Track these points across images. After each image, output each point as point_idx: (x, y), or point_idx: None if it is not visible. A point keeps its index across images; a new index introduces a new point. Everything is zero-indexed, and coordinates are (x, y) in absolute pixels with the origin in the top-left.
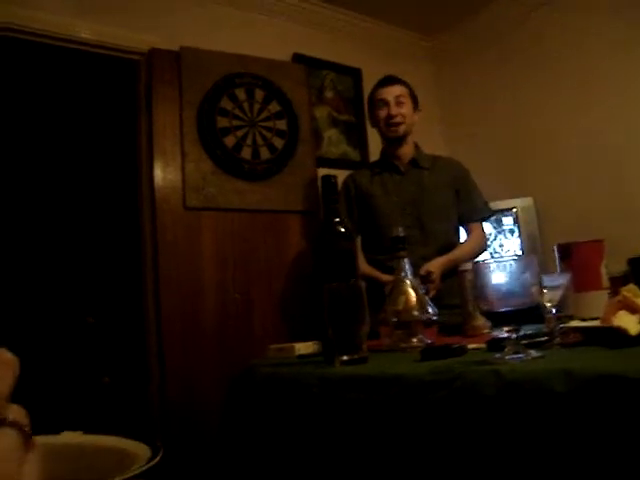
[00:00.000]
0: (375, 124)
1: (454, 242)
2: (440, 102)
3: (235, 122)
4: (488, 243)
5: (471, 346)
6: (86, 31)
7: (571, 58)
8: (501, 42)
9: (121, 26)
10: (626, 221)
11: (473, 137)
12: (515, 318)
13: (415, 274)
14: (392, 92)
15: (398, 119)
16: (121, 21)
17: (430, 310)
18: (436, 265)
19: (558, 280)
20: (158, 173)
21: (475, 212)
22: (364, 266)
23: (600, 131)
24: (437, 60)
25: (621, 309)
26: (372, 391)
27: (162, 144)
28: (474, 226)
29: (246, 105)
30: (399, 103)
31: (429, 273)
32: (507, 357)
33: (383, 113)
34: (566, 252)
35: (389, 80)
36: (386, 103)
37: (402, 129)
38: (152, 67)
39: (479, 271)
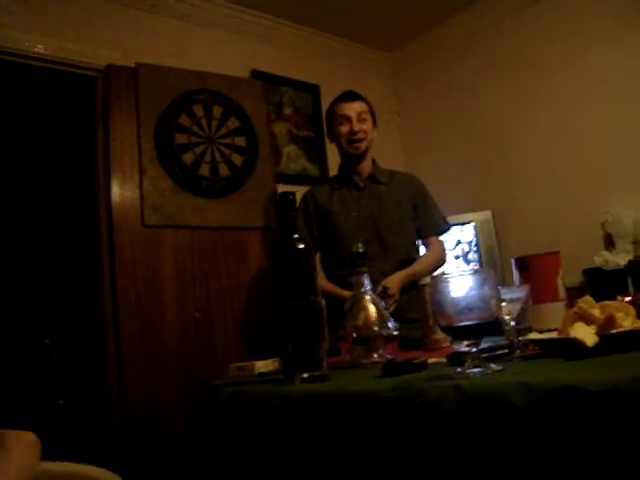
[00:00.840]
0: (335, 139)
1: (413, 256)
2: (400, 115)
3: (193, 139)
4: (447, 257)
5: (432, 360)
6: (41, 46)
7: (526, 72)
8: (459, 57)
9: (77, 41)
10: (581, 233)
11: (432, 151)
12: (474, 331)
13: (375, 289)
14: (354, 108)
15: (360, 135)
16: (77, 36)
17: (390, 325)
18: (395, 280)
19: (516, 293)
20: (115, 191)
21: (433, 226)
22: (324, 282)
23: (555, 145)
24: (396, 75)
25: (578, 320)
26: (333, 409)
27: (120, 161)
28: (432, 240)
29: (204, 122)
30: (361, 120)
31: (387, 288)
32: (467, 371)
33: (345, 129)
34: (523, 265)
35: (351, 96)
36: (348, 119)
37: (364, 145)
38: (109, 83)
39: (437, 286)
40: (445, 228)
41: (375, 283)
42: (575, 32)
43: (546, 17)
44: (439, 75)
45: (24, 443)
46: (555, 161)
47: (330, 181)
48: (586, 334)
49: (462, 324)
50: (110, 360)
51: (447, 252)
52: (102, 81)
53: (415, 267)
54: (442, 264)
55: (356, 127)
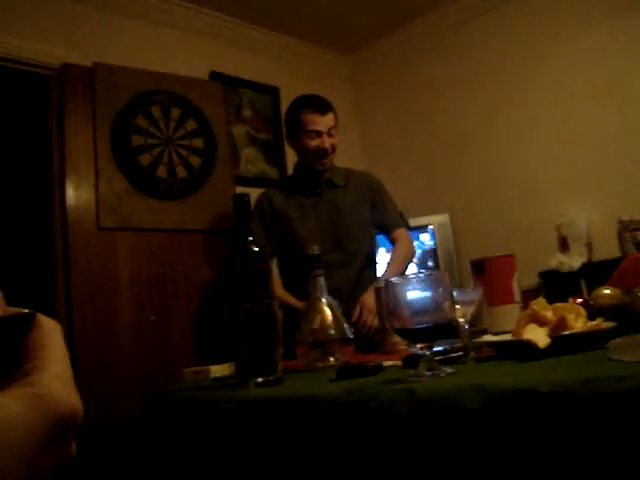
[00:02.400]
0: (299, 150)
1: (374, 260)
2: (359, 120)
3: (150, 140)
4: (414, 247)
5: (387, 364)
6: None
7: (484, 77)
8: (417, 60)
9: (32, 39)
10: (537, 236)
11: (391, 155)
12: (428, 334)
13: (342, 300)
14: (326, 122)
15: (329, 151)
16: (32, 34)
17: (346, 328)
18: (369, 302)
19: (470, 295)
20: (70, 192)
21: (395, 219)
22: (279, 290)
23: (512, 149)
24: (356, 78)
25: (531, 322)
26: (287, 413)
27: (75, 162)
28: (398, 233)
29: (162, 123)
30: (331, 134)
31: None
32: (421, 374)
33: (314, 143)
34: (479, 267)
35: (322, 107)
36: (318, 134)
37: (330, 160)
38: (64, 82)
39: (391, 288)
40: (406, 223)
41: (339, 291)
42: (535, 36)
43: (507, 21)
44: (398, 78)
45: (55, 326)
46: (512, 165)
47: (286, 184)
48: (538, 336)
49: (416, 327)
50: None
51: (413, 243)
52: (57, 80)
53: (387, 275)
54: (412, 257)
55: (327, 143)
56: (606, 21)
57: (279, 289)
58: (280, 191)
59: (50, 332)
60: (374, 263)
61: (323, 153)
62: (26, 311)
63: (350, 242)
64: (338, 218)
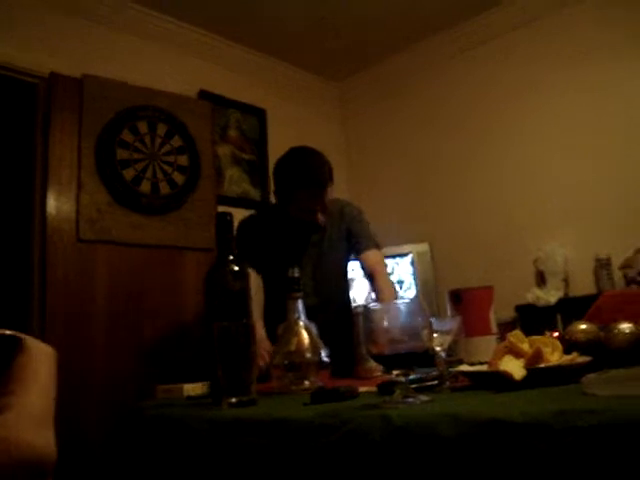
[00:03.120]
0: (291, 212)
1: (348, 299)
2: (345, 146)
3: (135, 155)
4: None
5: (362, 389)
6: None
7: (470, 112)
8: (405, 91)
9: (20, 47)
10: (515, 269)
11: (375, 182)
12: (405, 361)
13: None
14: (320, 201)
15: (322, 222)
16: (20, 42)
17: (322, 352)
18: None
19: (448, 324)
20: (52, 202)
21: (365, 242)
22: (261, 331)
23: (494, 184)
24: (343, 105)
25: (507, 354)
26: (260, 435)
27: (58, 172)
28: (366, 255)
29: (148, 138)
30: (325, 207)
31: None
32: (396, 401)
33: (308, 217)
34: (457, 297)
35: (317, 186)
36: (312, 212)
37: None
38: (52, 92)
39: (368, 314)
40: (376, 243)
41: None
42: (523, 71)
43: (496, 56)
44: (385, 107)
45: (46, 353)
46: (493, 198)
47: (268, 219)
48: (514, 367)
49: (393, 353)
50: None
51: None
52: (44, 89)
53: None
54: (392, 285)
55: (320, 220)
56: (586, 67)
57: (261, 330)
58: (261, 226)
59: (38, 360)
60: (347, 303)
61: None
62: (8, 333)
63: (329, 287)
64: (319, 261)
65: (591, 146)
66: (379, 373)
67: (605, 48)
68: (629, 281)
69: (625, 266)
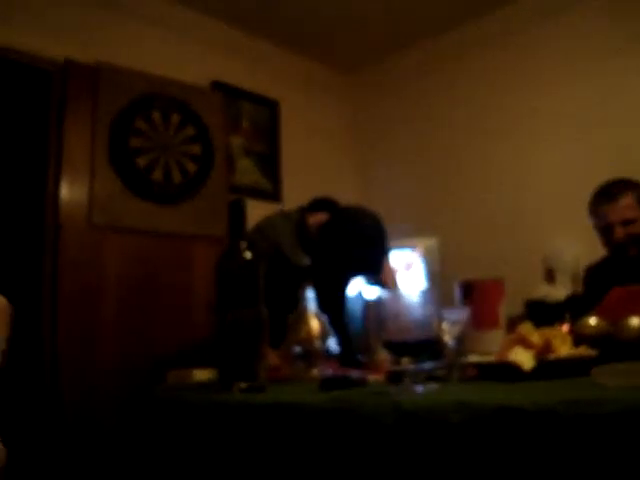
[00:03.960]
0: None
1: None
2: (355, 139)
3: (148, 143)
4: None
5: (371, 377)
6: None
7: (481, 108)
8: (416, 85)
9: (34, 33)
10: (524, 265)
11: (384, 176)
12: (415, 350)
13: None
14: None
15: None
16: (35, 28)
17: (333, 342)
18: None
19: (458, 314)
20: (65, 189)
21: None
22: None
23: (504, 179)
24: (355, 97)
25: (517, 345)
26: (272, 419)
27: (72, 159)
28: None
29: (161, 127)
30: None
31: None
32: (406, 388)
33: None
34: (467, 289)
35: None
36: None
37: None
38: (67, 79)
39: (381, 303)
40: None
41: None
42: (531, 71)
43: (510, 51)
44: (395, 100)
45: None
46: (503, 194)
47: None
48: (524, 358)
49: (403, 341)
50: (46, 360)
51: None
52: (59, 76)
53: None
54: None
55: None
56: (595, 65)
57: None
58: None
59: None
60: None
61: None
62: None
63: None
64: None
65: (603, 143)
66: (387, 365)
67: (608, 46)
68: None
69: None
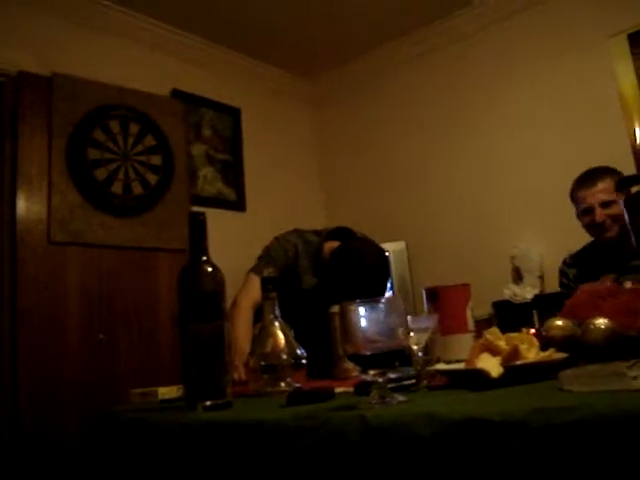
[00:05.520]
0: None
1: None
2: (318, 145)
3: (107, 155)
4: None
5: (338, 390)
6: None
7: (444, 110)
8: (376, 89)
9: None
10: (492, 266)
11: (349, 181)
12: (381, 360)
13: None
14: None
15: None
16: None
17: (299, 353)
18: None
19: (425, 322)
20: (21, 204)
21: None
22: (244, 345)
23: (469, 181)
24: (316, 103)
25: (484, 352)
26: (235, 438)
27: (27, 173)
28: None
29: (120, 138)
30: None
31: None
32: (373, 401)
33: None
34: (433, 295)
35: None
36: None
37: None
38: (20, 91)
39: (345, 313)
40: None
41: None
42: (492, 73)
43: (471, 55)
44: (356, 105)
45: None
46: (469, 195)
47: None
48: (491, 365)
49: (369, 353)
50: (3, 380)
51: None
52: (12, 88)
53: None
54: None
55: None
56: (552, 63)
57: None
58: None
59: None
60: None
61: None
62: None
63: None
64: None
65: (563, 144)
66: (356, 373)
67: (564, 53)
68: None
69: None
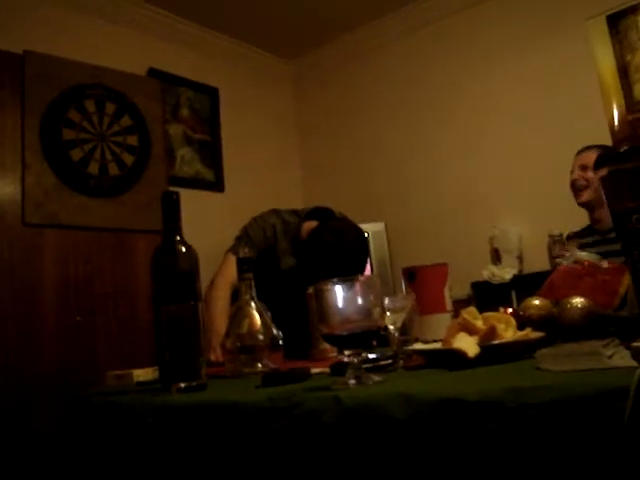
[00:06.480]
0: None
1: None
2: (298, 125)
3: (83, 135)
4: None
5: (315, 371)
6: None
7: (426, 93)
8: (358, 70)
9: None
10: (471, 247)
11: (328, 163)
12: (356, 341)
13: None
14: None
15: None
16: None
17: (275, 334)
18: None
19: (401, 302)
20: None
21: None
22: (221, 326)
23: (449, 163)
24: (297, 83)
25: (461, 331)
26: (209, 420)
27: (1, 153)
28: None
29: (95, 118)
30: None
31: None
32: (348, 382)
33: None
34: (411, 275)
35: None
36: None
37: None
38: None
39: (320, 294)
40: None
41: None
42: (469, 57)
43: (452, 37)
44: (335, 87)
45: None
46: (448, 177)
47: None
48: (468, 345)
49: (344, 333)
50: None
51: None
52: None
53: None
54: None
55: None
56: (533, 46)
57: (219, 304)
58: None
59: None
60: None
61: None
62: None
63: None
64: None
65: (540, 126)
66: (333, 354)
67: (546, 35)
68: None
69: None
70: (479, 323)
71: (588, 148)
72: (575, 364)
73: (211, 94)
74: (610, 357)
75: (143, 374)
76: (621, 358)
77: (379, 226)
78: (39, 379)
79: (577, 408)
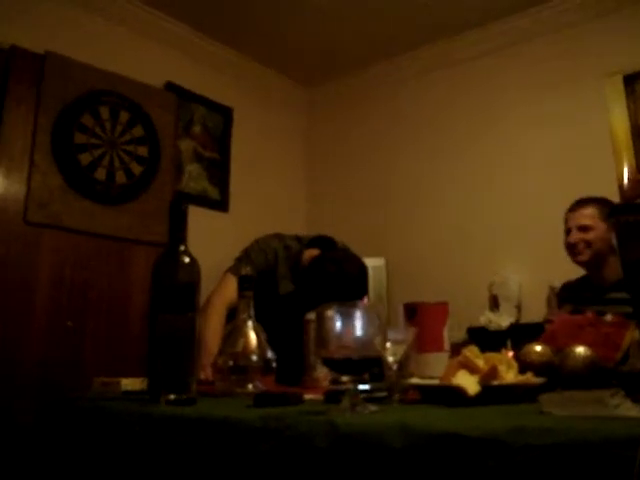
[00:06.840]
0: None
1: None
2: (307, 153)
3: (94, 140)
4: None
5: (308, 396)
6: None
7: (435, 133)
8: (368, 105)
9: None
10: (470, 292)
11: (334, 192)
12: (358, 368)
13: None
14: None
15: None
16: None
17: (269, 356)
18: None
19: (403, 334)
20: None
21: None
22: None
23: (453, 206)
24: (310, 111)
25: (461, 369)
26: (197, 434)
27: (9, 149)
28: None
29: (108, 125)
30: None
31: None
32: (344, 408)
33: None
34: (412, 312)
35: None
36: None
37: None
38: (11, 65)
39: (322, 319)
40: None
41: None
42: (487, 96)
43: (460, 79)
44: (347, 119)
45: None
46: (452, 219)
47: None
48: (469, 383)
49: (344, 357)
50: None
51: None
52: (3, 62)
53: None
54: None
55: None
56: (547, 96)
57: (213, 321)
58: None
59: None
60: None
61: None
62: None
63: None
64: None
65: (549, 177)
66: (326, 383)
67: (561, 86)
68: None
69: None
70: (480, 362)
71: (583, 203)
72: (581, 410)
73: (225, 113)
74: (616, 407)
75: (131, 384)
76: (628, 409)
77: (379, 261)
78: (27, 379)
79: (583, 453)
